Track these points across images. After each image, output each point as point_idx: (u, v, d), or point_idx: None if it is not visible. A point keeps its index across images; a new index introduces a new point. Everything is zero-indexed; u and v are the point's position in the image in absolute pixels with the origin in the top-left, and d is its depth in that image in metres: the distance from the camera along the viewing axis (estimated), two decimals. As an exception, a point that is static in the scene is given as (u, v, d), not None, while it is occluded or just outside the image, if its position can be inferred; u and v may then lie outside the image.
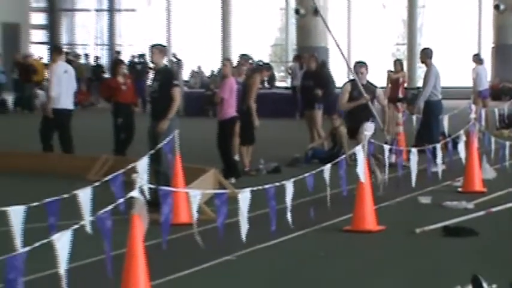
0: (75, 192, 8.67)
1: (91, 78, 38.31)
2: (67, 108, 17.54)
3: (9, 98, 34.61)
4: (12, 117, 32.08)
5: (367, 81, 14.76)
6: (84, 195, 8.69)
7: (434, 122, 17.33)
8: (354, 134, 14.02)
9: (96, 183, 9.23)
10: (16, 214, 8.30)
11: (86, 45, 47.91)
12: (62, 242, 6.75)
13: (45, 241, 6.56)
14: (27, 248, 6.14)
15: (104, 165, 15.95)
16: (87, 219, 8.03)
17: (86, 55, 42.02)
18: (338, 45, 14.56)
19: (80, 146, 17.88)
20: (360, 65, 14.75)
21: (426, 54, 17.72)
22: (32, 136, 18.07)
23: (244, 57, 18.40)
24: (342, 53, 14.32)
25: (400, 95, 21.28)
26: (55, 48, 20.22)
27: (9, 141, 18.11)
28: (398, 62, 22.49)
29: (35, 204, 8.50)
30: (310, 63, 19.41)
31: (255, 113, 16.83)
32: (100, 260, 8.02)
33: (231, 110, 15.93)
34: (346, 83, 15.17)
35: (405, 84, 21.42)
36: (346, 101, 14.58)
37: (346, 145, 14.28)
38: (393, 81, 21.31)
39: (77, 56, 41.12)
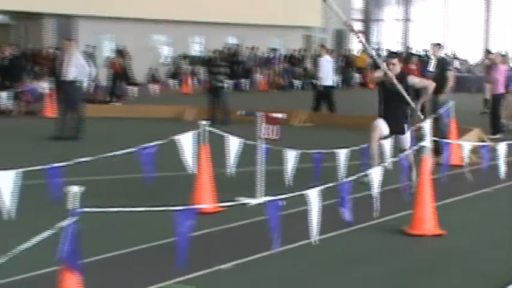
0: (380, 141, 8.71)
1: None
2: (328, 85, 18.61)
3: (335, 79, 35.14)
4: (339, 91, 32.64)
5: (401, 71, 9.38)
6: (386, 144, 8.69)
7: None
8: (386, 119, 9.18)
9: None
10: (341, 154, 8.51)
11: (385, 44, 47.70)
12: (376, 174, 6.81)
13: (362, 174, 6.64)
14: (350, 178, 6.22)
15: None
16: (389, 160, 8.01)
17: (389, 51, 41.86)
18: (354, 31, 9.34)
19: (366, 109, 17.88)
20: (392, 57, 9.77)
21: None
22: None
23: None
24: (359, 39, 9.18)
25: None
26: (321, 46, 20.91)
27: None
28: None
29: (354, 148, 8.66)
30: None
31: None
32: (393, 188, 8.02)
33: (501, 87, 15.61)
34: (378, 70, 10.06)
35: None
36: (378, 77, 9.47)
37: None
38: None
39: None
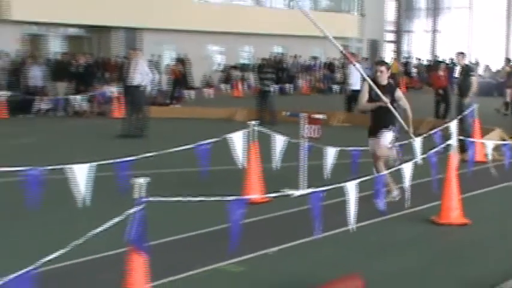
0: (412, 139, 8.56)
1: (421, 73, 37.64)
2: (357, 89, 17.62)
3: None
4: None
5: (388, 82, 8.32)
6: (418, 142, 8.54)
7: None
8: (375, 133, 8.28)
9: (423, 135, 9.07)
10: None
11: (415, 53, 46.91)
12: (407, 168, 6.74)
13: (394, 169, 6.57)
14: (384, 172, 6.17)
15: (428, 124, 15.55)
16: (419, 156, 7.90)
17: (419, 59, 41.10)
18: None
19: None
20: (380, 64, 8.52)
21: None
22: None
23: None
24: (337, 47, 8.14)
25: None
26: (350, 54, 20.53)
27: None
28: None
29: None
30: None
31: None
32: (424, 181, 7.90)
33: None
34: (364, 83, 8.49)
35: None
36: (366, 101, 8.26)
37: None
38: None
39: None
